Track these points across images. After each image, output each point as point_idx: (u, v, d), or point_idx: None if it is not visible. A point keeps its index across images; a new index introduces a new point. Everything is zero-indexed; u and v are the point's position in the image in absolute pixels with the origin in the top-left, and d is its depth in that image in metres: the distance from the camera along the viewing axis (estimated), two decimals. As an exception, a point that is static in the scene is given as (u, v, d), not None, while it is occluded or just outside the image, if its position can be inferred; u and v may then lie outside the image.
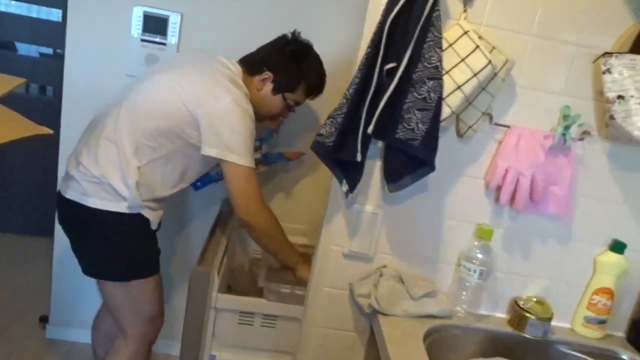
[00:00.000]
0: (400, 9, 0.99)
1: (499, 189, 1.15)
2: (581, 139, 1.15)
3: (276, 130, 1.92)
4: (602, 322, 1.24)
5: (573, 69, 1.12)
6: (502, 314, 1.27)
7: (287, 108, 1.63)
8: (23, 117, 0.97)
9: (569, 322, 1.28)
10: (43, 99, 3.04)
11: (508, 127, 1.13)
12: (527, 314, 1.20)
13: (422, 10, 0.99)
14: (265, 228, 1.53)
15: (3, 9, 2.83)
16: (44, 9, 2.89)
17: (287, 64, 1.55)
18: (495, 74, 1.05)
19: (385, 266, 1.23)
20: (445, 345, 1.17)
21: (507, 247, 1.23)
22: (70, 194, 1.43)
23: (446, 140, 1.14)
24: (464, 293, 1.22)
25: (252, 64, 1.56)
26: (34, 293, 2.51)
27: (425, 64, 1.01)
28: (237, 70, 1.53)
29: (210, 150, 1.41)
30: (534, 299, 1.24)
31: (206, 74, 1.44)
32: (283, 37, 1.59)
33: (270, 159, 1.89)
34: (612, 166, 1.18)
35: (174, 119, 1.40)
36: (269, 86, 1.55)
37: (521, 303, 1.23)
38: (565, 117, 1.11)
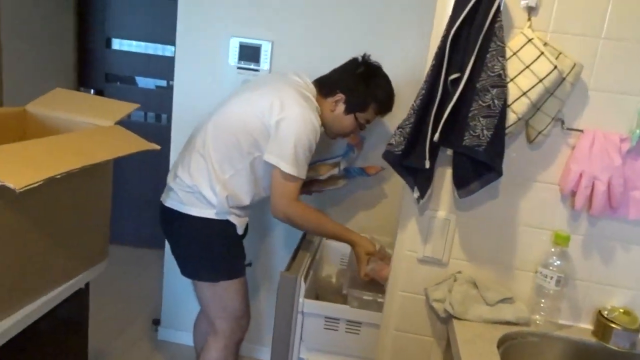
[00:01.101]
0: (462, 21, 1.04)
1: (573, 194, 1.14)
2: (663, 141, 1.11)
3: (359, 147, 2.01)
4: (700, 336, 1.16)
5: (649, 69, 1.09)
6: (584, 325, 1.24)
7: (359, 126, 1.72)
8: (137, 135, 1.15)
9: (663, 335, 1.21)
10: (158, 125, 3.40)
11: (581, 131, 1.12)
12: (612, 324, 1.16)
13: (483, 21, 1.03)
14: (296, 220, 1.63)
15: (126, 48, 3.23)
16: (159, 46, 3.25)
17: (357, 85, 1.64)
18: (563, 79, 1.06)
19: (460, 272, 1.25)
20: (521, 353, 1.17)
21: (587, 254, 1.20)
22: (169, 203, 1.63)
23: (517, 146, 1.16)
24: (542, 301, 1.20)
25: (325, 87, 1.67)
26: (147, 299, 2.80)
27: (489, 72, 1.05)
28: (312, 88, 1.65)
29: (268, 157, 1.55)
30: (620, 309, 1.20)
31: (278, 88, 1.59)
32: (354, 60, 1.69)
33: (350, 173, 1.98)
34: (702, 169, 1.12)
35: (251, 132, 1.55)
36: (341, 107, 1.66)
37: (605, 313, 1.19)
38: (643, 118, 1.08)
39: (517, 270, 1.23)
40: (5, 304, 0.90)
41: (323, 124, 1.65)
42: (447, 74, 1.08)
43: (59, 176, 0.85)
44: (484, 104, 1.05)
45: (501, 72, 1.04)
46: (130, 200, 3.30)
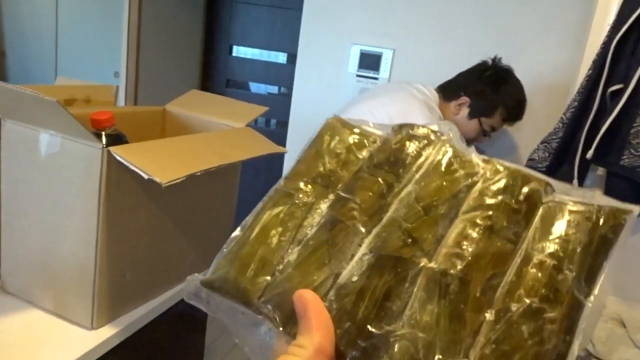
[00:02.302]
0: (629, 27, 0.93)
1: None
2: None
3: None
4: None
5: None
6: None
7: (483, 133, 1.61)
8: (266, 138, 1.16)
9: None
10: (267, 129, 3.51)
11: None
12: None
13: (656, 27, 0.91)
14: None
15: (242, 55, 3.36)
16: (272, 53, 3.35)
17: (484, 88, 1.54)
18: None
19: (604, 306, 1.12)
20: (678, 408, 1.01)
21: None
22: None
23: (685, 170, 1.01)
24: None
25: (449, 90, 1.59)
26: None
27: (660, 84, 0.92)
28: (434, 96, 1.58)
29: None
30: None
31: (400, 98, 1.53)
32: (483, 63, 1.59)
33: None
34: None
35: None
36: (465, 111, 1.56)
37: None
38: None
39: (675, 311, 1.08)
40: (138, 296, 0.94)
41: None
42: (607, 85, 0.97)
43: (198, 173, 0.86)
44: (651, 120, 0.93)
45: (675, 84, 0.92)
46: (240, 202, 3.43)
